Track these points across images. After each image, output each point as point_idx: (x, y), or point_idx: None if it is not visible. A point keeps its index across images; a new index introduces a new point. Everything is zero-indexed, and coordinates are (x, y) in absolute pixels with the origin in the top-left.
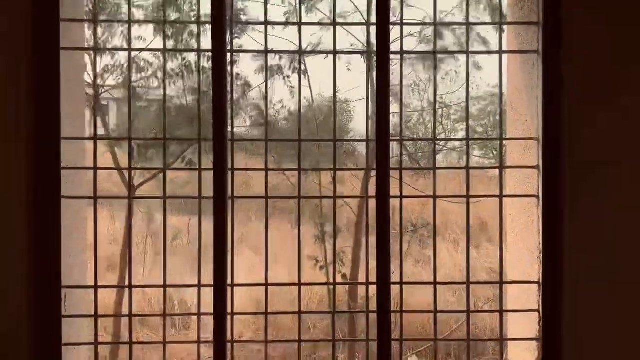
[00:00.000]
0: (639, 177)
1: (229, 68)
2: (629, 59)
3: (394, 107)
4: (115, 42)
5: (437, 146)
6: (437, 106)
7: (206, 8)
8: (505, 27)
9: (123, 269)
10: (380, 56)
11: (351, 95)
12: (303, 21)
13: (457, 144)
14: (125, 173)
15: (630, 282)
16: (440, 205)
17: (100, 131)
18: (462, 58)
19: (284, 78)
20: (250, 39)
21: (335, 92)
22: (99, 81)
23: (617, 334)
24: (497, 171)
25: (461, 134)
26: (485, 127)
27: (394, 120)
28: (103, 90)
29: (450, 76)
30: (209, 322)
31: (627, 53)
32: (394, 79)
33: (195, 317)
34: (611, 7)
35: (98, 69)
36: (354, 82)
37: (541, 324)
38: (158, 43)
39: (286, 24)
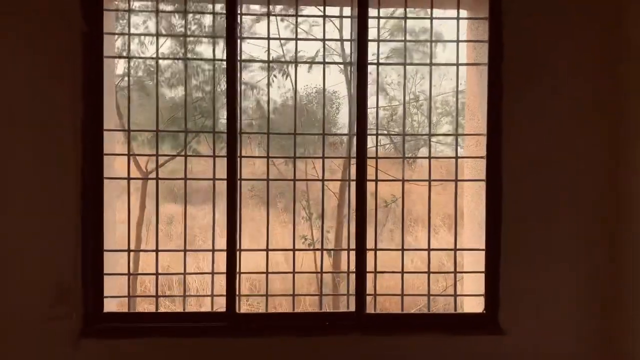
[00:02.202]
0: (560, 167)
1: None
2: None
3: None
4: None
5: (423, 139)
6: (422, 99)
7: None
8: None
9: (138, 252)
10: (359, 70)
11: (340, 88)
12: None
13: (445, 136)
14: (139, 159)
15: (553, 250)
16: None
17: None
18: (445, 54)
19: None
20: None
21: (324, 95)
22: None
23: (542, 290)
24: (476, 160)
25: (446, 128)
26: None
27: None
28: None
29: (438, 69)
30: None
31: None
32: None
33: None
34: (545, 24)
35: (120, 71)
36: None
37: (484, 283)
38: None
39: (286, 39)
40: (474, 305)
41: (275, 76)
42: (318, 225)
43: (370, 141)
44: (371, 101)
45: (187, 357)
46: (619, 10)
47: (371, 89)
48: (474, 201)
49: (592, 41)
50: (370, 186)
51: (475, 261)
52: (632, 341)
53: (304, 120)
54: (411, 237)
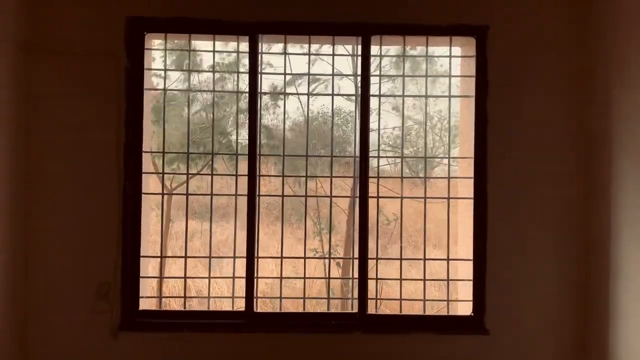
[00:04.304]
0: (539, 187)
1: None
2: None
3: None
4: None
5: (435, 160)
6: (436, 119)
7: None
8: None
9: (163, 260)
10: (362, 102)
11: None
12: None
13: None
14: (166, 177)
15: (534, 260)
16: (436, 216)
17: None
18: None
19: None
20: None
21: (332, 122)
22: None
23: (524, 296)
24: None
25: (458, 149)
26: None
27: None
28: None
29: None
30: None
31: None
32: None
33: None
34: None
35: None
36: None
37: (472, 289)
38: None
39: (299, 74)
40: (467, 310)
41: (288, 97)
42: (327, 238)
43: (384, 161)
44: (381, 123)
45: (210, 349)
46: (595, 47)
47: (381, 111)
48: (468, 216)
49: (571, 76)
50: (382, 203)
51: (469, 271)
52: (608, 345)
53: (321, 138)
54: (421, 254)
